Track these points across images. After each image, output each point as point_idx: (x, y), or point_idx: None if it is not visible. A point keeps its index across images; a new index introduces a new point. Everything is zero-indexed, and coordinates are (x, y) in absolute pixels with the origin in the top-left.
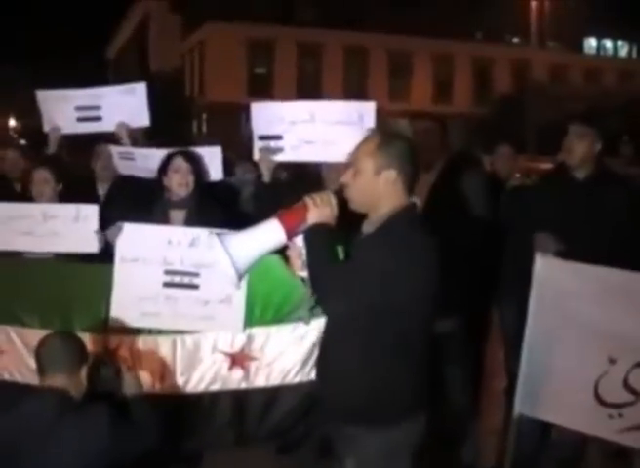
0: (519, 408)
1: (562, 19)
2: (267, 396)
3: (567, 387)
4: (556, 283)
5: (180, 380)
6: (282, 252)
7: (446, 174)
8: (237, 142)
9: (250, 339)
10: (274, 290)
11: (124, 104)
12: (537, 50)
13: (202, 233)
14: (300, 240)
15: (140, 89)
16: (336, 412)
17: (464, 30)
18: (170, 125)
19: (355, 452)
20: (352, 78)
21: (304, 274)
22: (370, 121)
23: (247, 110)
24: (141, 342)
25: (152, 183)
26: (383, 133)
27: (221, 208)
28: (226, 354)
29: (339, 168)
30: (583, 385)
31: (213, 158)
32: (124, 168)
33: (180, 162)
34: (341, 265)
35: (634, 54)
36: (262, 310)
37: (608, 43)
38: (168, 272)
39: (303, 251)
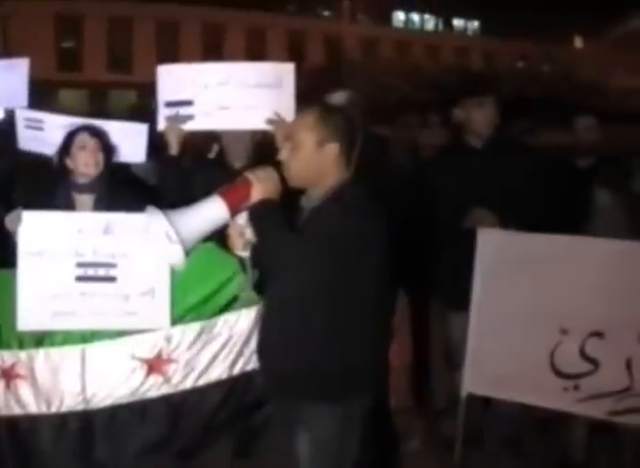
0: (468, 387)
1: None
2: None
3: (520, 362)
4: (499, 255)
5: (89, 395)
6: (221, 231)
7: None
8: None
9: (168, 341)
10: (197, 285)
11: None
12: (348, 23)
13: (117, 218)
14: (240, 218)
15: (22, 65)
16: (288, 388)
17: (277, 2)
18: None
19: (309, 429)
20: (165, 52)
21: (245, 254)
22: (290, 83)
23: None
24: (43, 356)
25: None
26: (322, 105)
27: (133, 191)
28: (143, 360)
29: (243, 139)
30: (539, 359)
31: (137, 137)
32: (26, 141)
33: (85, 138)
34: (295, 236)
35: (440, 27)
36: (182, 307)
37: (415, 17)
38: (80, 264)
39: (245, 229)
